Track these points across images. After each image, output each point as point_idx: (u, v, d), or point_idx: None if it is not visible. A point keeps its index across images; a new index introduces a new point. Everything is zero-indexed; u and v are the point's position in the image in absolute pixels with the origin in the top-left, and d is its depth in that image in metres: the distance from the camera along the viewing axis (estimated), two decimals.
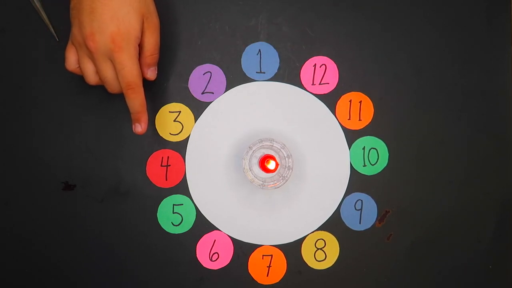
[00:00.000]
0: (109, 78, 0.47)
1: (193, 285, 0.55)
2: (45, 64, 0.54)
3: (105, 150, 0.55)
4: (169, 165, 0.55)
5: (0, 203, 0.54)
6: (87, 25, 0.45)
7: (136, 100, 0.47)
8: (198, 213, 0.55)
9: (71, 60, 0.48)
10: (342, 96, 0.55)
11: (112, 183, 0.55)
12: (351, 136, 0.55)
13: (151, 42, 0.48)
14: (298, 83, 0.55)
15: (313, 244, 0.55)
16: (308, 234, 0.55)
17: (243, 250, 0.55)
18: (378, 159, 0.55)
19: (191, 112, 0.55)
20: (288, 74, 0.55)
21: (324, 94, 0.55)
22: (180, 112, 0.55)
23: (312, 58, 0.55)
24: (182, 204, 0.55)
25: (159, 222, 0.55)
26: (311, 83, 0.55)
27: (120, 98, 0.54)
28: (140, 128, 0.49)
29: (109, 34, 0.45)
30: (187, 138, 0.55)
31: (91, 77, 0.48)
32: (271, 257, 0.55)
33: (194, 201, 0.55)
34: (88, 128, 0.55)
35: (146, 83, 0.54)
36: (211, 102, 0.55)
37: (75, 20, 0.46)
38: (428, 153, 0.56)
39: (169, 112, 0.55)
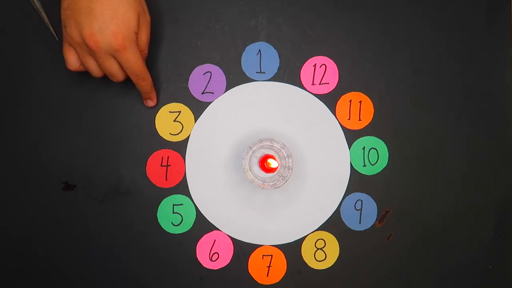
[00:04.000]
0: (113, 71, 0.49)
1: (193, 285, 0.55)
2: (45, 64, 0.54)
3: (105, 150, 0.55)
4: (169, 165, 0.55)
5: (0, 203, 0.54)
6: (86, 26, 0.45)
7: (147, 85, 0.51)
8: (198, 213, 0.55)
9: (72, 60, 0.49)
10: (342, 96, 0.55)
11: (112, 183, 0.55)
12: (351, 136, 0.55)
13: (143, 38, 0.49)
14: (298, 83, 0.55)
15: (313, 244, 0.55)
16: (308, 234, 0.55)
17: (243, 250, 0.55)
18: (378, 159, 0.55)
19: (191, 112, 0.55)
20: (288, 74, 0.55)
21: (324, 94, 0.55)
22: (180, 112, 0.55)
23: (312, 58, 0.55)
24: (182, 204, 0.55)
25: (159, 222, 0.55)
26: (311, 83, 0.55)
27: (119, 98, 0.55)
28: (152, 102, 0.54)
29: (110, 34, 0.45)
30: (187, 138, 0.55)
31: (96, 72, 0.49)
32: (271, 257, 0.55)
33: (194, 201, 0.55)
34: (88, 128, 0.55)
35: None
36: (211, 102, 0.55)
37: (70, 21, 0.46)
38: (428, 153, 0.56)
39: (169, 112, 0.55)
